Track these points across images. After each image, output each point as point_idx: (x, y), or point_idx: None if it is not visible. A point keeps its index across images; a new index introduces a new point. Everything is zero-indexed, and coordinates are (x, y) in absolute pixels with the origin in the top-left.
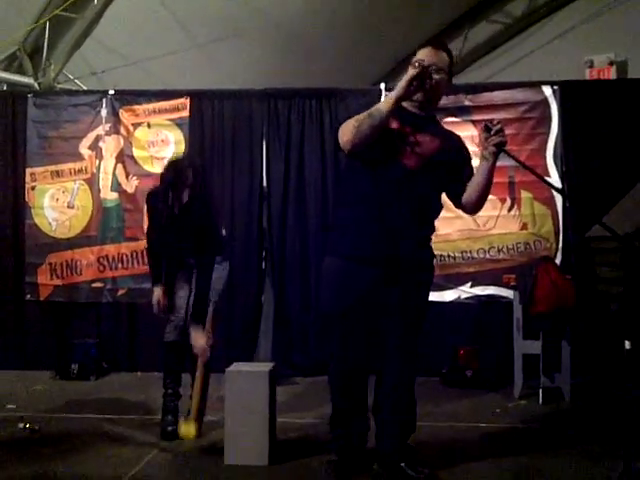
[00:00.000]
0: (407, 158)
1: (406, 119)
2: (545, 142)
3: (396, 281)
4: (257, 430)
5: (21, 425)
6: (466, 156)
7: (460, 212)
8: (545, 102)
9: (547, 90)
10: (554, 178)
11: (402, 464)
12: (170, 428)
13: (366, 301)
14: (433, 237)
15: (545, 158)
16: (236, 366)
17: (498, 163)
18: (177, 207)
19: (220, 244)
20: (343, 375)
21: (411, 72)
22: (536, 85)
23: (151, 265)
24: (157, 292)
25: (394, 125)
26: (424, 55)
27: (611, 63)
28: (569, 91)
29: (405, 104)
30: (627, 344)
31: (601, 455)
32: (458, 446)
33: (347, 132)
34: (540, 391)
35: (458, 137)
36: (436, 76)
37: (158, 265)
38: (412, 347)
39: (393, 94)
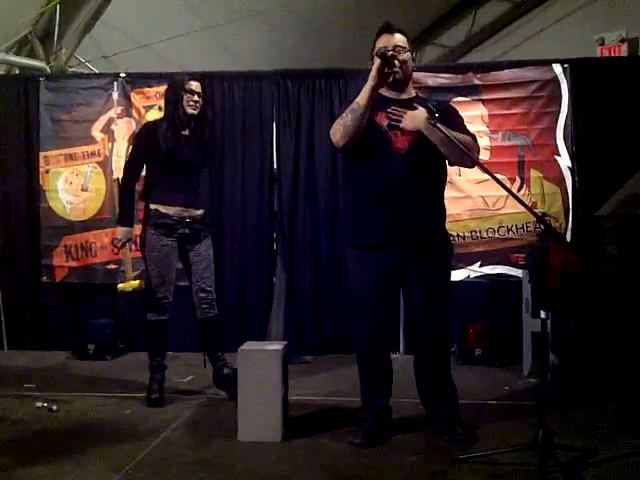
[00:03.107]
0: (397, 143)
1: (388, 107)
2: (555, 121)
3: (414, 260)
4: (270, 407)
5: (39, 404)
6: (450, 115)
7: (469, 192)
8: (555, 80)
9: (557, 68)
10: (564, 157)
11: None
12: (154, 396)
13: (389, 282)
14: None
15: (555, 137)
16: (249, 345)
17: (508, 143)
18: (185, 125)
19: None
20: (371, 355)
21: (377, 62)
22: (546, 63)
23: (121, 203)
24: (125, 231)
25: (379, 117)
26: (384, 43)
27: (622, 40)
28: (580, 69)
29: (385, 93)
30: (543, 314)
31: (608, 430)
32: (468, 423)
33: (336, 132)
34: (549, 369)
35: (438, 102)
36: (402, 56)
37: (128, 204)
38: (442, 323)
39: (367, 85)
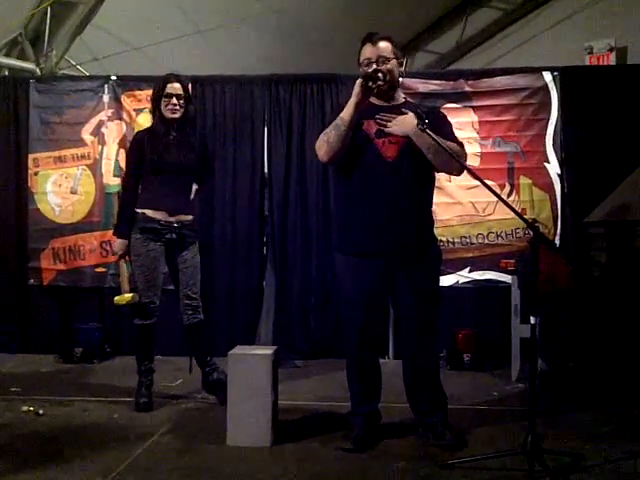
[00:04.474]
0: (385, 152)
1: (376, 114)
2: (545, 128)
3: (402, 266)
4: (259, 412)
5: (25, 408)
6: (438, 122)
7: (459, 198)
8: (545, 88)
9: (547, 76)
10: (553, 164)
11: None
12: (142, 400)
13: (378, 288)
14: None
15: (545, 144)
16: (239, 349)
17: (498, 149)
18: (172, 127)
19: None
20: (360, 360)
21: (359, 80)
22: (536, 71)
23: (120, 214)
24: (122, 243)
25: (367, 125)
26: (368, 53)
27: (611, 49)
28: (569, 77)
29: (373, 100)
30: (532, 320)
31: (597, 436)
32: (457, 428)
33: (321, 146)
34: (537, 374)
35: (427, 108)
36: (386, 65)
37: (127, 217)
38: (430, 328)
39: (351, 101)
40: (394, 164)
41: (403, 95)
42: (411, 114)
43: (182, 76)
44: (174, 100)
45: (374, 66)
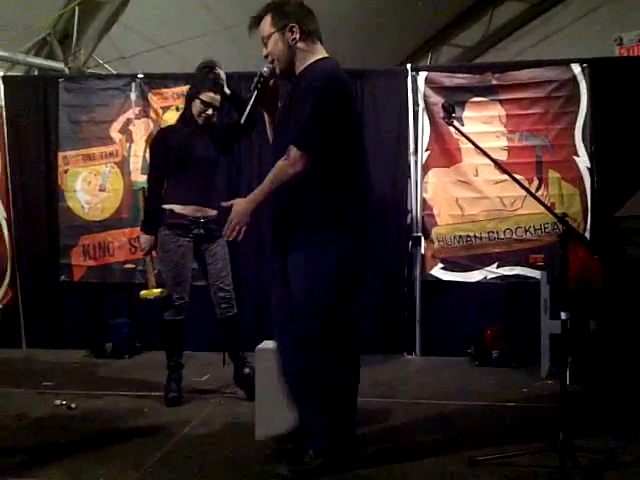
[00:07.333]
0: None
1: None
2: (574, 121)
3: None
4: (287, 407)
5: (58, 402)
6: (298, 105)
7: (487, 193)
8: (574, 80)
9: (576, 68)
10: (583, 157)
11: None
12: (171, 395)
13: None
14: (459, 218)
15: (574, 137)
16: (266, 344)
17: (525, 143)
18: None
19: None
20: None
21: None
22: (565, 63)
23: (147, 211)
24: (149, 239)
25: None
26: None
27: None
28: (598, 69)
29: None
30: (563, 315)
31: (630, 433)
32: (487, 425)
33: None
34: (567, 371)
35: (307, 79)
36: (268, 48)
37: (154, 213)
38: (305, 331)
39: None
40: (272, 146)
41: (305, 64)
42: (237, 201)
43: (223, 82)
44: (210, 111)
45: (264, 50)
